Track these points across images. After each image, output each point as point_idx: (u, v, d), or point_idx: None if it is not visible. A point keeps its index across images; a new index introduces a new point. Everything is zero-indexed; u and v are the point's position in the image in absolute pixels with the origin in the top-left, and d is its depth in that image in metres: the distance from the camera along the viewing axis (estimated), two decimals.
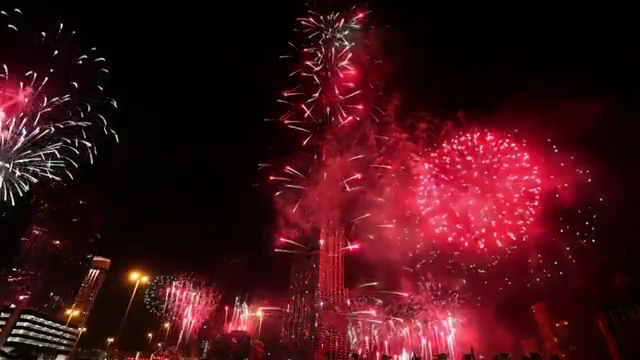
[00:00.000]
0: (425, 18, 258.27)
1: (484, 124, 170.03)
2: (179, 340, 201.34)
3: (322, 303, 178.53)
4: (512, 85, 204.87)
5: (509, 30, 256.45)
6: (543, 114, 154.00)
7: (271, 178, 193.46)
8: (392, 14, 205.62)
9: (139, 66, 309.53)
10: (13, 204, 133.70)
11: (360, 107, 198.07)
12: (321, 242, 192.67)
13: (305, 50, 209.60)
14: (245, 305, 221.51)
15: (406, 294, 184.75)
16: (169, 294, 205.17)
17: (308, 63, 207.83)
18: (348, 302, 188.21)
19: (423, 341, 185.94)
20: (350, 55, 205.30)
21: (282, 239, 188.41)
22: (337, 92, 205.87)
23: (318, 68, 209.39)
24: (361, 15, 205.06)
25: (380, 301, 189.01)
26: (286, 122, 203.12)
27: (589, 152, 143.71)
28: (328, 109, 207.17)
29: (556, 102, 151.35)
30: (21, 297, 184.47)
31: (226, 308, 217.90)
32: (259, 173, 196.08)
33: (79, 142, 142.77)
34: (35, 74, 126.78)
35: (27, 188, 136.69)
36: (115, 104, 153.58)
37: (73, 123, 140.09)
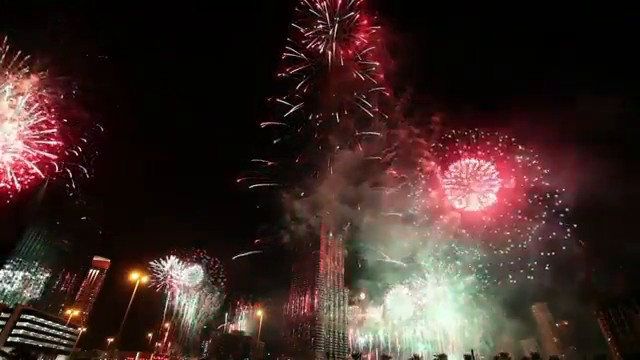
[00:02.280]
0: (428, 18, 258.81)
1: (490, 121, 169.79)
2: (184, 341, 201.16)
3: (322, 303, 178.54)
4: (520, 82, 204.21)
5: (517, 27, 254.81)
6: (548, 112, 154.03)
7: (269, 179, 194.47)
8: (399, 14, 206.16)
9: (139, 64, 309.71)
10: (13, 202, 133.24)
11: (366, 103, 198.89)
12: (321, 242, 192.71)
13: (305, 49, 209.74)
14: (246, 305, 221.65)
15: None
16: (171, 293, 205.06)
17: (310, 61, 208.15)
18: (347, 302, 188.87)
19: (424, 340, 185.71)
20: (357, 53, 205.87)
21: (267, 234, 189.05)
22: (339, 90, 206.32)
23: (316, 69, 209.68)
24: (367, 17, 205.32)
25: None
26: (286, 122, 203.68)
27: (592, 152, 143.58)
28: (329, 103, 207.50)
29: (562, 100, 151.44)
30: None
31: (227, 308, 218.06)
32: (258, 174, 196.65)
33: (81, 139, 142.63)
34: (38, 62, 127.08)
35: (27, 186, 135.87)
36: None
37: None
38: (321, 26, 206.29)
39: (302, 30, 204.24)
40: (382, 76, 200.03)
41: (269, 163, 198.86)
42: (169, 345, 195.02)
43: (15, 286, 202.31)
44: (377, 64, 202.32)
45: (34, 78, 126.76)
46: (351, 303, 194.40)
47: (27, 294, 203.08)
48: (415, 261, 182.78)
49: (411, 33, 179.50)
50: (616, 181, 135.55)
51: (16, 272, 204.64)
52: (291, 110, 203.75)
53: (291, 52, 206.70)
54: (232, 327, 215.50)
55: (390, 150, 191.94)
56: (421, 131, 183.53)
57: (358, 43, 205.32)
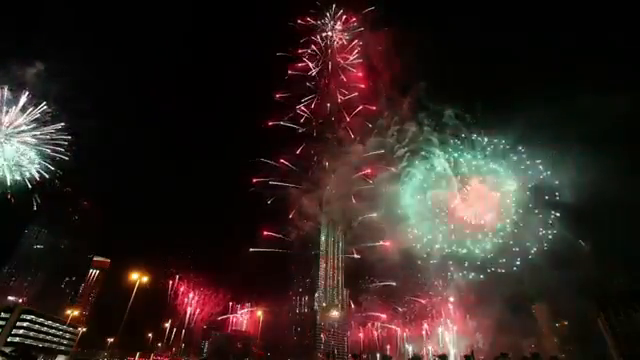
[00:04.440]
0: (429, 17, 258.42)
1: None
2: (182, 341, 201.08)
3: (322, 303, 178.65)
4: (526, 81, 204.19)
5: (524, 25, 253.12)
6: (550, 110, 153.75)
7: (269, 181, 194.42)
8: (397, 14, 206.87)
9: (138, 66, 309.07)
10: (13, 201, 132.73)
11: (361, 106, 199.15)
12: (321, 242, 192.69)
13: (306, 50, 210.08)
14: (247, 305, 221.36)
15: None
16: (171, 294, 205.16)
17: (309, 63, 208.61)
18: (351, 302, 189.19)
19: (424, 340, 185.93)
20: (353, 55, 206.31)
21: (266, 233, 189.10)
22: (338, 92, 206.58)
23: (317, 69, 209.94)
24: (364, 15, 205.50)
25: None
26: (285, 123, 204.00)
27: (595, 149, 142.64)
28: (329, 108, 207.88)
29: (566, 99, 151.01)
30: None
31: (229, 309, 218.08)
32: (259, 174, 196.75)
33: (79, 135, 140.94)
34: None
35: (27, 181, 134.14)
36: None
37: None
38: (323, 25, 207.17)
39: (303, 26, 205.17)
40: (387, 75, 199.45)
41: (270, 163, 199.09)
42: (171, 344, 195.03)
43: (15, 286, 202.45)
44: (382, 64, 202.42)
45: (39, 67, 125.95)
46: (351, 302, 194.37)
47: (27, 294, 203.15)
48: (417, 260, 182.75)
49: (416, 30, 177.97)
50: (619, 180, 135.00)
51: (16, 272, 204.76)
52: (291, 112, 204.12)
53: (292, 51, 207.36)
54: (232, 327, 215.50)
55: (401, 146, 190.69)
56: (432, 127, 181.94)
57: (362, 42, 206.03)
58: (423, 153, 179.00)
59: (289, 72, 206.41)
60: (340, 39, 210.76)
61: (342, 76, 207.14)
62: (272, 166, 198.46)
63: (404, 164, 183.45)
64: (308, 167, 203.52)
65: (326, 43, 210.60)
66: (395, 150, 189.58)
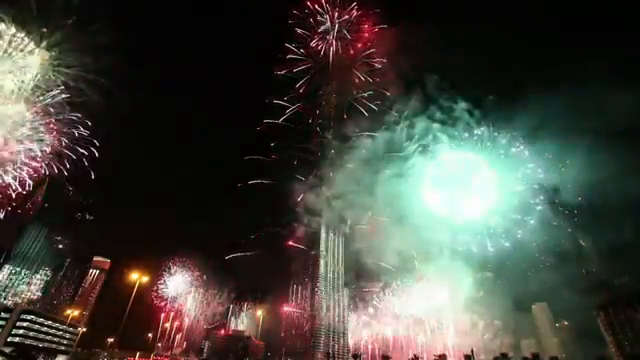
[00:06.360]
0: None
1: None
2: (182, 342, 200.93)
3: (322, 303, 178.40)
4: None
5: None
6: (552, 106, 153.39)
7: (268, 181, 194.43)
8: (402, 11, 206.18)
9: (136, 59, 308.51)
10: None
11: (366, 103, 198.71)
12: (321, 242, 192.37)
13: (308, 45, 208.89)
14: (249, 305, 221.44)
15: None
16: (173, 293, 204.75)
17: (310, 60, 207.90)
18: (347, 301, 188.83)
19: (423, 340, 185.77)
20: (358, 52, 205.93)
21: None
22: (340, 89, 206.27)
23: (318, 69, 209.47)
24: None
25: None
26: (285, 122, 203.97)
27: (597, 148, 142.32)
28: (332, 105, 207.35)
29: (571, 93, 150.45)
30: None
31: (230, 309, 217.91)
32: (258, 174, 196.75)
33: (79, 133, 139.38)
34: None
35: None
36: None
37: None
38: (324, 25, 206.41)
39: (303, 28, 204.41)
40: (393, 71, 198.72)
41: (270, 158, 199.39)
42: (174, 344, 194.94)
43: (15, 286, 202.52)
44: (384, 61, 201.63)
45: (44, 55, 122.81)
46: (353, 302, 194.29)
47: (27, 294, 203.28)
48: (420, 260, 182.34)
49: (420, 28, 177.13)
50: (620, 179, 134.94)
51: (16, 272, 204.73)
52: (291, 109, 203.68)
53: (292, 51, 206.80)
54: (232, 327, 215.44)
55: (410, 143, 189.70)
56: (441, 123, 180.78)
57: (363, 40, 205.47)
58: (433, 150, 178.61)
59: (287, 70, 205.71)
60: (343, 36, 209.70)
61: (344, 72, 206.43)
62: (272, 165, 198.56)
63: (412, 161, 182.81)
64: (310, 166, 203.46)
65: (328, 38, 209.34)
66: (404, 148, 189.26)
